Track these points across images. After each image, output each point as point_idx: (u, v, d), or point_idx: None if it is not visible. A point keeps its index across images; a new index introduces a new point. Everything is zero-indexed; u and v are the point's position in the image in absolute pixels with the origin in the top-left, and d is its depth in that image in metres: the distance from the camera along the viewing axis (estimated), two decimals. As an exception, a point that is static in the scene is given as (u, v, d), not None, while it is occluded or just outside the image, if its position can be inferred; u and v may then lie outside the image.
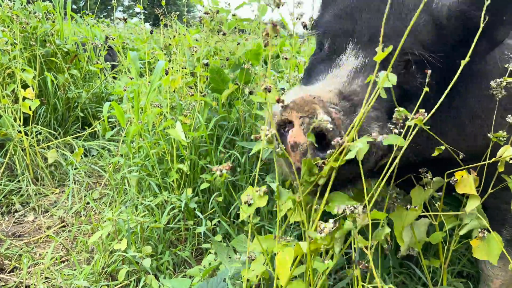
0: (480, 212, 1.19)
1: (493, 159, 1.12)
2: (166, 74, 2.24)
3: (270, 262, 1.09)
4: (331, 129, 0.88)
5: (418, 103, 0.99)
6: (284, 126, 0.95)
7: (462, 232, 1.22)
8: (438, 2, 1.17)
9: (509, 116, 1.17)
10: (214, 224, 1.91)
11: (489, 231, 1.13)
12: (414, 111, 0.93)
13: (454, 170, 1.19)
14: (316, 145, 0.90)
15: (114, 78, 4.18)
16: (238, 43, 2.66)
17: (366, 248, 0.96)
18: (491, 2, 1.00)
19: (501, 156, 1.10)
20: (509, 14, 1.13)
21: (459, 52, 1.11)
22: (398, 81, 0.96)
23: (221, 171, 0.89)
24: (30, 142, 2.64)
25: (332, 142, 0.88)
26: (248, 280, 1.16)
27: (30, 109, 2.54)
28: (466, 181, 1.16)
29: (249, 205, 0.95)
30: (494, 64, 1.28)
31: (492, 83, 1.16)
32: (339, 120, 0.92)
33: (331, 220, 0.93)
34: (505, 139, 1.14)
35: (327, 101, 0.96)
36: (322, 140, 0.90)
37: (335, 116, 0.91)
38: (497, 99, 1.17)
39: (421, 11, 1.03)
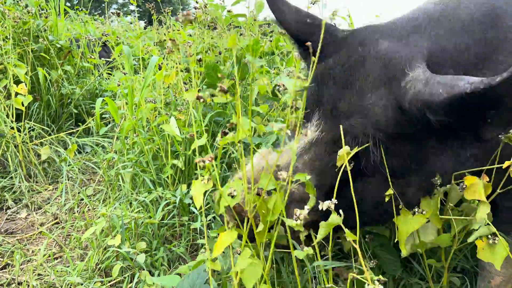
0: (489, 218, 1.16)
1: (507, 163, 1.09)
2: (160, 69, 2.22)
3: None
4: None
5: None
6: None
7: (470, 240, 1.18)
8: (406, 83, 1.05)
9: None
10: (209, 220, 1.90)
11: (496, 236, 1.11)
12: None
13: (461, 171, 1.17)
14: None
15: (109, 74, 4.15)
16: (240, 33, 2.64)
17: (355, 242, 0.96)
18: (462, 107, 0.96)
19: None
20: (494, 116, 1.01)
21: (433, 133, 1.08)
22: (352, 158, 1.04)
23: (203, 162, 0.89)
24: (23, 139, 2.61)
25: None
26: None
27: (23, 105, 2.51)
28: (475, 187, 1.12)
29: (233, 197, 0.96)
30: None
31: None
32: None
33: (306, 207, 0.97)
34: None
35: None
36: None
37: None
38: None
39: (385, 91, 1.07)
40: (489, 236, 1.09)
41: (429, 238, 1.26)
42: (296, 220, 0.98)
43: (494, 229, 1.10)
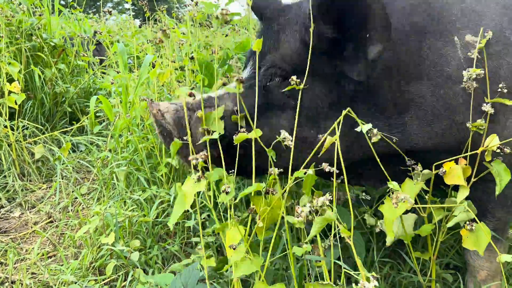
0: (469, 205, 1.19)
1: (480, 149, 1.12)
2: (153, 67, 2.21)
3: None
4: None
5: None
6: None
7: (449, 225, 1.21)
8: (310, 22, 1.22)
9: (485, 104, 1.17)
10: (204, 218, 1.90)
11: (477, 223, 1.13)
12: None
13: (442, 161, 1.19)
14: None
15: (103, 73, 4.14)
16: (226, 35, 2.64)
17: (349, 238, 0.97)
18: (339, 19, 1.15)
19: (487, 146, 1.10)
20: (372, 30, 1.14)
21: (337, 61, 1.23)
22: (264, 92, 1.28)
23: (197, 159, 0.92)
24: (16, 137, 2.60)
25: None
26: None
27: (16, 104, 2.49)
28: (454, 172, 1.16)
29: (227, 193, 0.98)
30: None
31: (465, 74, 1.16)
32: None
33: (308, 204, 0.99)
34: (484, 128, 1.15)
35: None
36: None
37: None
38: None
39: (293, 31, 1.29)
40: (467, 222, 1.11)
41: (407, 229, 1.28)
42: (298, 217, 1.01)
43: (473, 215, 1.12)
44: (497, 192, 1.14)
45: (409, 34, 1.25)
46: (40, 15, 3.27)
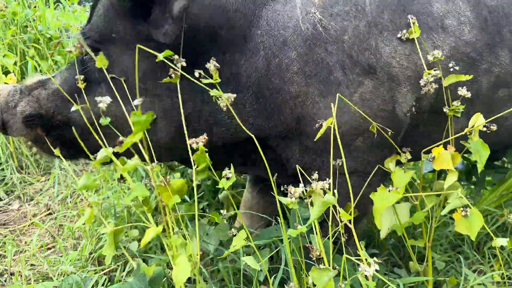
0: (462, 191, 1.18)
1: (466, 130, 1.10)
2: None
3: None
4: None
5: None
6: None
7: (444, 212, 1.19)
8: None
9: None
10: (202, 208, 1.90)
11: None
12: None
13: (431, 147, 1.18)
14: None
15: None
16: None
17: (350, 222, 0.96)
18: None
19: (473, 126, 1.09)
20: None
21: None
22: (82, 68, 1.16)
23: (197, 143, 0.91)
24: (13, 130, 2.58)
25: None
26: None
27: (12, 96, 2.47)
28: (443, 157, 1.14)
29: (227, 178, 0.97)
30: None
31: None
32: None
33: (301, 185, 0.97)
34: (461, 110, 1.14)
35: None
36: None
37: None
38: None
39: None
40: (461, 208, 1.10)
41: (402, 219, 1.26)
42: (291, 198, 0.98)
43: (466, 201, 1.11)
44: (479, 170, 1.10)
45: None
46: (34, 7, 3.23)
